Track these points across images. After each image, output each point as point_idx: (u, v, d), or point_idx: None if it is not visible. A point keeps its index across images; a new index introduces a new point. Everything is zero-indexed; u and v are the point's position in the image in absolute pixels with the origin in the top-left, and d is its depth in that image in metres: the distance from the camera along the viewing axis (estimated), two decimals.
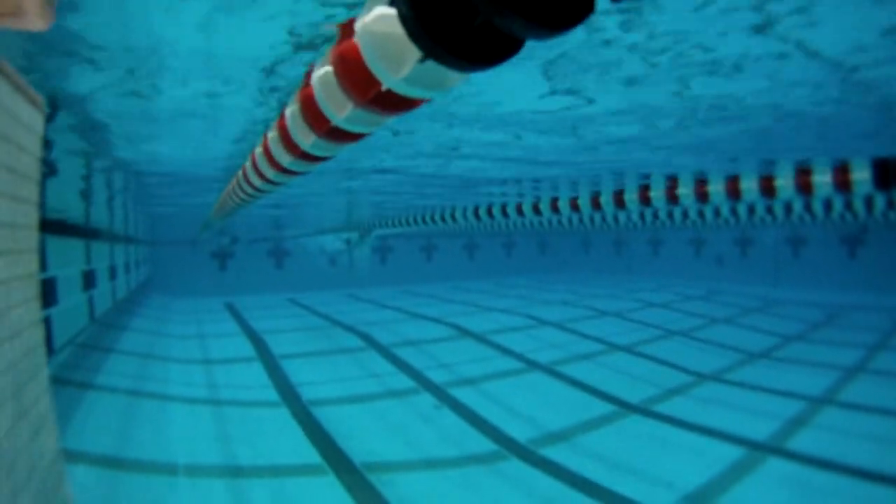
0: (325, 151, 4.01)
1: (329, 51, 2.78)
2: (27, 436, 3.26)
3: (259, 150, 5.45)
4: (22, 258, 3.41)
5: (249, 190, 7.10)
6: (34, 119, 3.61)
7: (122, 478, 6.59)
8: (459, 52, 1.82)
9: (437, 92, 2.34)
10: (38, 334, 3.70)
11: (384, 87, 2.35)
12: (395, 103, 2.51)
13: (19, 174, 3.34)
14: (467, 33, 1.73)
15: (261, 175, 5.86)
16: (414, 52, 1.97)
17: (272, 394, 10.64)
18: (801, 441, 9.02)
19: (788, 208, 14.25)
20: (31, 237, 3.59)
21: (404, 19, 1.91)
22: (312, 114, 3.30)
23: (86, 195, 12.67)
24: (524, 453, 8.36)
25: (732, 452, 8.52)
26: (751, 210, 15.06)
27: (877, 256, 23.98)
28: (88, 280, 13.01)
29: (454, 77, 2.13)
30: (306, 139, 3.76)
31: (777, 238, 26.75)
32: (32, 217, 3.59)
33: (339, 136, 3.40)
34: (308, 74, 3.16)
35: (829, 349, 15.48)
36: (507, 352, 14.55)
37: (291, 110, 3.80)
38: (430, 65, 1.98)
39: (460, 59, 1.86)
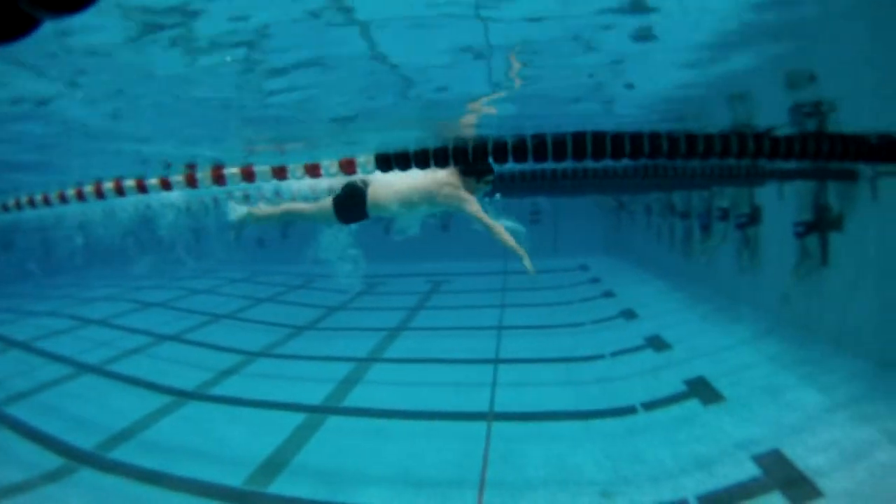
0: None
1: None
2: None
3: None
4: None
5: None
6: None
7: None
8: None
9: None
10: None
11: None
12: None
13: None
14: None
15: None
16: None
17: None
18: (357, 397, 10.23)
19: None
20: None
21: None
22: None
23: None
24: (94, 460, 8.31)
25: (294, 419, 9.31)
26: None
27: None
28: None
29: None
30: None
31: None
32: None
33: None
34: None
35: (372, 314, 17.06)
36: (55, 358, 13.96)
37: None
38: None
39: None
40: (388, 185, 7.86)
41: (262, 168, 7.83)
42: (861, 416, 7.10)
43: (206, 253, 31.33)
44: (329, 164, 7.53)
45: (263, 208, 8.67)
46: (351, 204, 7.97)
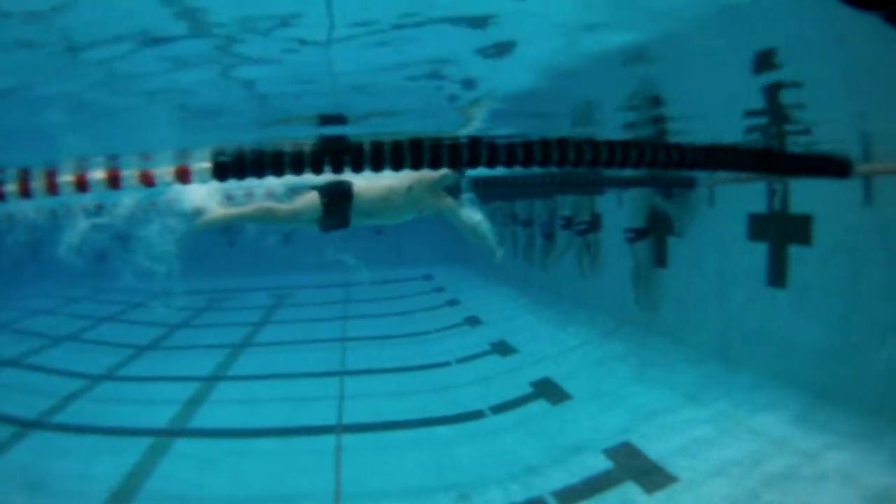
0: None
1: None
2: None
3: None
4: None
5: None
6: None
7: None
8: None
9: None
10: None
11: None
12: None
13: None
14: None
15: None
16: None
17: None
18: (203, 418, 9.99)
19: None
20: None
21: None
22: None
23: None
24: None
25: (141, 444, 8.96)
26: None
27: (250, 245, 25.83)
28: None
29: None
30: None
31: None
32: None
33: None
34: None
35: (216, 331, 16.70)
36: None
37: None
38: None
39: None
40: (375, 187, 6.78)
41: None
42: (704, 407, 7.60)
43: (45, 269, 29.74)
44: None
45: (233, 210, 6.79)
46: (337, 206, 6.67)
